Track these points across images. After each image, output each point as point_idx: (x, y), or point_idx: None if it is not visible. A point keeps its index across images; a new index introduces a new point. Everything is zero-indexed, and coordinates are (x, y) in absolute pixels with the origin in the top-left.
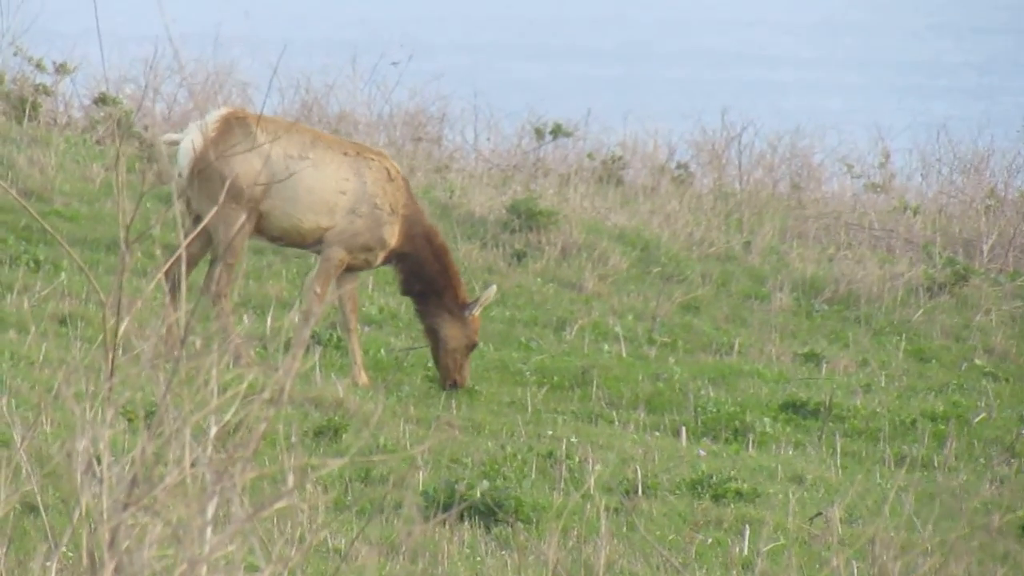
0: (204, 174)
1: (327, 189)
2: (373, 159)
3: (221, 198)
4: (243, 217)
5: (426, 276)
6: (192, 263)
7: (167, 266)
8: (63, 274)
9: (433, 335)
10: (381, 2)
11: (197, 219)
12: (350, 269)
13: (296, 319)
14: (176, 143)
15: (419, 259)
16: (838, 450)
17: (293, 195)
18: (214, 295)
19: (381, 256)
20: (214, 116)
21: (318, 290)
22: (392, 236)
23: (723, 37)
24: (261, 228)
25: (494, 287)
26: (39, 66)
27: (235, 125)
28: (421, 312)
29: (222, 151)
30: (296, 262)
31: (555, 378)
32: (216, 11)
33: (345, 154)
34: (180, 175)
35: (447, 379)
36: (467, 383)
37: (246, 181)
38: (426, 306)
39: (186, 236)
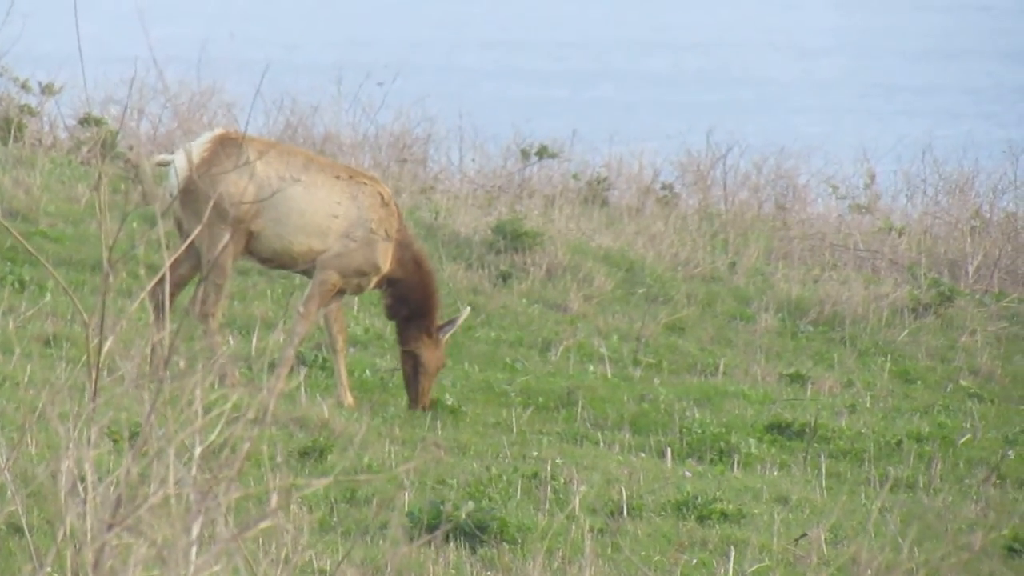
0: (194, 194)
1: (320, 212)
2: (366, 183)
3: (206, 217)
4: (232, 237)
5: (414, 300)
6: (182, 284)
7: (151, 286)
8: (48, 295)
9: (412, 359)
10: (367, 25)
11: (186, 239)
12: (341, 293)
13: (281, 339)
14: (167, 164)
15: (409, 284)
16: (823, 471)
17: (285, 217)
18: (201, 315)
19: (374, 281)
20: (206, 137)
21: (301, 310)
22: (386, 261)
23: (707, 58)
24: (252, 249)
25: (468, 309)
26: (24, 86)
27: (227, 146)
28: (403, 337)
29: (213, 172)
30: (281, 283)
31: (540, 399)
32: (201, 33)
33: (338, 177)
34: (172, 195)
35: (419, 402)
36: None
37: (234, 201)
38: (408, 331)
39: (174, 256)
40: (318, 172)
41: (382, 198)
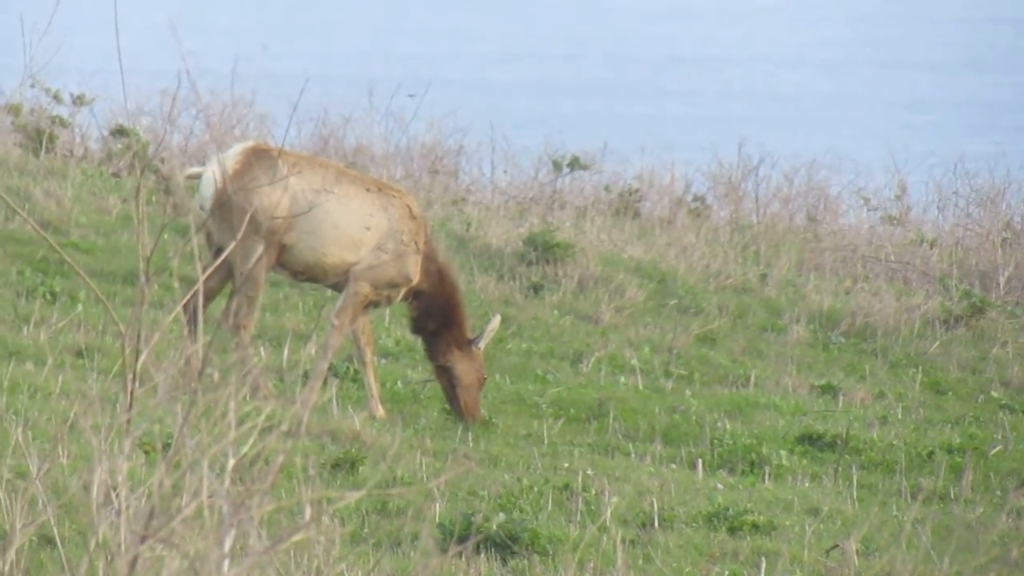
0: (226, 206)
1: (353, 225)
2: (395, 196)
3: (241, 231)
4: (265, 249)
5: (439, 313)
6: (211, 296)
7: (186, 299)
8: (80, 306)
9: (446, 373)
10: (398, 37)
11: (218, 251)
12: (373, 305)
13: (313, 351)
14: (197, 176)
15: (433, 295)
16: (854, 482)
17: (318, 229)
18: (233, 327)
19: (402, 292)
20: (237, 149)
21: (336, 322)
22: (416, 272)
23: (734, 72)
24: (284, 262)
25: (498, 318)
26: (56, 98)
27: (258, 158)
28: (432, 352)
29: (245, 183)
30: (313, 295)
31: (571, 410)
32: (234, 45)
33: (368, 190)
34: (202, 207)
35: (467, 415)
36: (482, 416)
37: (267, 214)
38: (437, 345)
39: (206, 269)
40: (349, 184)
41: (410, 210)
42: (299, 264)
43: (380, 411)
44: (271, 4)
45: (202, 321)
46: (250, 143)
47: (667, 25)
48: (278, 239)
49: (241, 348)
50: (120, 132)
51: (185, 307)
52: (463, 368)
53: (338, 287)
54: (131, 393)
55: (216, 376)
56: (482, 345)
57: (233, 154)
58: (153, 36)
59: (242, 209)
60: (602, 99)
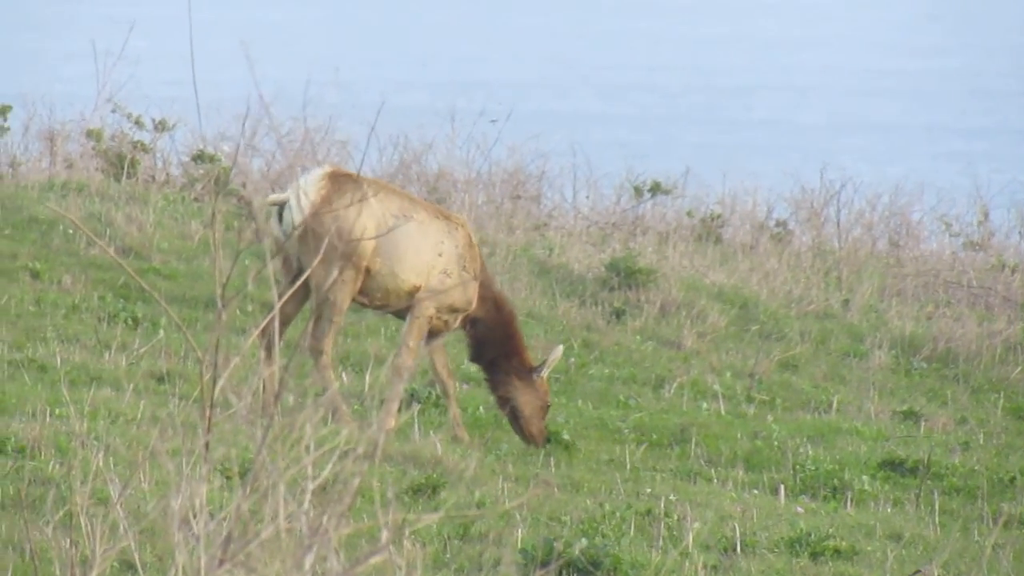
0: (312, 231)
1: (430, 251)
2: (457, 224)
3: (322, 253)
4: (352, 274)
5: (495, 341)
6: (287, 321)
7: (263, 325)
8: (161, 331)
9: (507, 404)
10: (472, 65)
11: (296, 276)
12: (435, 335)
13: (387, 375)
14: (279, 203)
15: (490, 324)
16: (936, 508)
17: (402, 255)
18: (315, 351)
19: (459, 319)
20: (317, 174)
21: (411, 344)
22: (475, 298)
23: (813, 101)
24: (365, 288)
25: (560, 348)
26: (138, 123)
27: (341, 182)
28: (492, 382)
29: (335, 208)
30: (395, 321)
31: (654, 436)
32: (308, 70)
33: (436, 217)
34: (285, 232)
35: (531, 442)
36: (544, 437)
37: (354, 238)
38: (496, 375)
39: (283, 294)
40: (423, 210)
41: (470, 238)
42: (379, 290)
43: (465, 436)
44: (384, 36)
45: (278, 345)
46: (328, 168)
47: (749, 54)
48: (365, 264)
49: (320, 370)
50: (201, 157)
51: (263, 333)
52: (524, 399)
53: (401, 313)
54: (208, 418)
55: (292, 400)
56: (545, 374)
57: (315, 179)
58: (230, 64)
59: (327, 234)
60: (686, 126)
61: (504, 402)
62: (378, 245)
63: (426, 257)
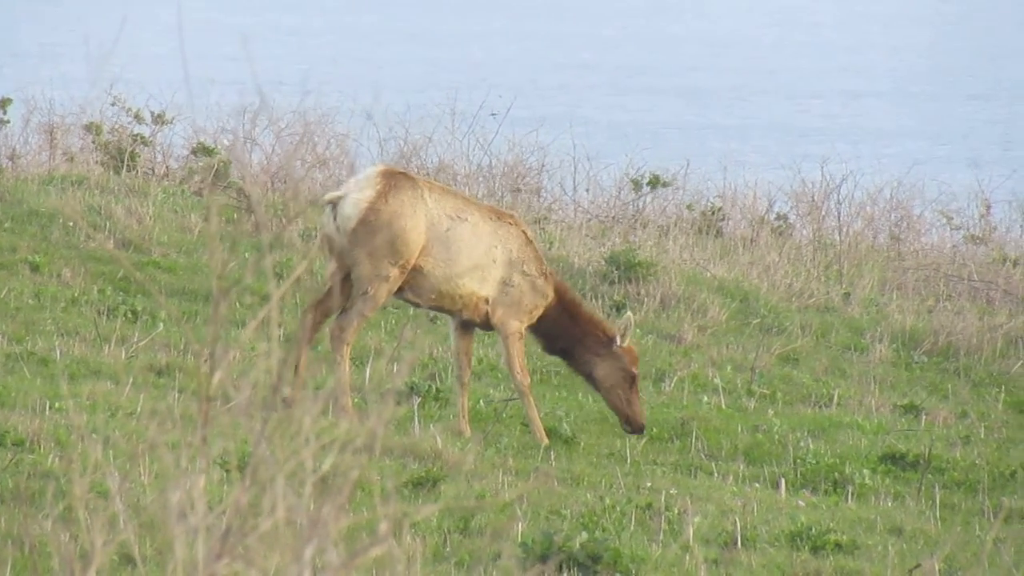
0: (367, 228)
1: (482, 254)
2: (511, 224)
3: (379, 252)
4: (396, 273)
5: (562, 331)
6: (330, 314)
7: (309, 306)
8: (160, 325)
9: (592, 381)
10: (474, 67)
11: (348, 274)
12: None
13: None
14: (334, 200)
15: (552, 317)
16: (937, 502)
17: (456, 256)
18: (337, 339)
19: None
20: (371, 172)
21: (517, 366)
22: (551, 291)
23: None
24: (414, 286)
25: (629, 314)
26: (137, 117)
27: (396, 180)
28: (574, 366)
29: (392, 207)
30: (395, 314)
31: (654, 429)
32: (306, 61)
33: (490, 218)
34: (339, 230)
35: (622, 419)
36: (645, 421)
37: (412, 237)
38: (574, 359)
39: (330, 290)
40: (476, 211)
41: (525, 236)
42: (431, 291)
43: (467, 430)
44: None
45: (306, 341)
46: (381, 166)
47: (749, 55)
48: (414, 263)
49: (339, 363)
50: (201, 150)
51: (303, 317)
52: (603, 372)
53: (467, 323)
54: (205, 411)
55: (288, 392)
56: (625, 343)
57: (369, 178)
58: (228, 59)
59: (386, 231)
60: (685, 126)
61: (590, 380)
62: (428, 245)
63: (479, 261)
